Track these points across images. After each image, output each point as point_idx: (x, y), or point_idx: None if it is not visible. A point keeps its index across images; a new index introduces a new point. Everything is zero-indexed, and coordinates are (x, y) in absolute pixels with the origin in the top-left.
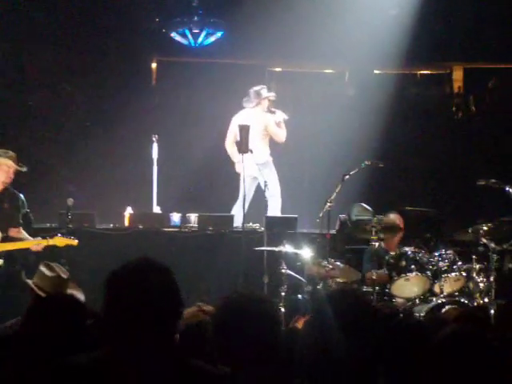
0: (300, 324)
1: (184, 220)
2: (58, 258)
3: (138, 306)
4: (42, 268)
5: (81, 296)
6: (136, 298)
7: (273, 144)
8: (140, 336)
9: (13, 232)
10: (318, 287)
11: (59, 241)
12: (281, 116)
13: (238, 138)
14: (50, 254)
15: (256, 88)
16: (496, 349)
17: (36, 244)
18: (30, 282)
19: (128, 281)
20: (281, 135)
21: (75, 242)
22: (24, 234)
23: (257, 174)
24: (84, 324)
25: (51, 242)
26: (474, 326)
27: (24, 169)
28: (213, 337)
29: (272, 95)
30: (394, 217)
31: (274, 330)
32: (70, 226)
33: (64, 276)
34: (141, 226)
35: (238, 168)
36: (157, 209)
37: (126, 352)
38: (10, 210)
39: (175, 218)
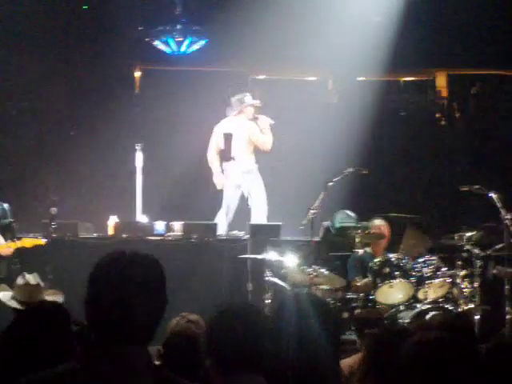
0: None
1: (168, 228)
2: (43, 266)
3: (116, 305)
4: (18, 279)
5: (59, 299)
6: (115, 294)
7: (257, 151)
8: (115, 341)
9: None
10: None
11: (27, 242)
12: (266, 121)
13: (222, 147)
14: (35, 263)
15: (238, 96)
16: (466, 357)
17: (5, 248)
18: (2, 297)
19: (110, 273)
20: (266, 143)
21: (42, 241)
22: None
23: (241, 182)
24: (69, 330)
25: (19, 244)
26: (451, 333)
27: None
28: (206, 346)
29: (257, 102)
30: (379, 223)
31: (265, 337)
32: (54, 235)
33: (33, 282)
34: (125, 235)
35: (216, 178)
36: (141, 217)
37: (95, 363)
38: None
39: (159, 226)
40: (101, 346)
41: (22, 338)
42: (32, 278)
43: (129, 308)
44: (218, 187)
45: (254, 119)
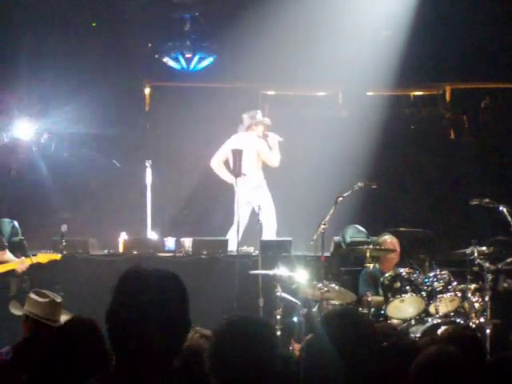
0: (296, 348)
1: (178, 245)
2: (53, 284)
3: (136, 325)
4: (33, 295)
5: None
6: (135, 314)
7: (266, 167)
8: (136, 361)
9: None
10: (314, 310)
11: (42, 257)
12: (275, 138)
13: (230, 162)
14: (45, 280)
15: (250, 113)
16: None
17: (20, 263)
18: (20, 311)
19: (129, 292)
20: (274, 160)
21: (58, 256)
22: (9, 256)
23: (251, 198)
24: (104, 345)
25: (34, 259)
26: (459, 347)
27: None
28: (209, 362)
29: (267, 120)
30: (389, 238)
31: (274, 353)
32: (65, 252)
33: (58, 300)
34: (135, 252)
35: (226, 178)
36: (151, 233)
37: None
38: None
39: (169, 243)
40: (122, 366)
41: (68, 351)
42: (55, 297)
43: (149, 329)
44: (230, 181)
45: (264, 137)
